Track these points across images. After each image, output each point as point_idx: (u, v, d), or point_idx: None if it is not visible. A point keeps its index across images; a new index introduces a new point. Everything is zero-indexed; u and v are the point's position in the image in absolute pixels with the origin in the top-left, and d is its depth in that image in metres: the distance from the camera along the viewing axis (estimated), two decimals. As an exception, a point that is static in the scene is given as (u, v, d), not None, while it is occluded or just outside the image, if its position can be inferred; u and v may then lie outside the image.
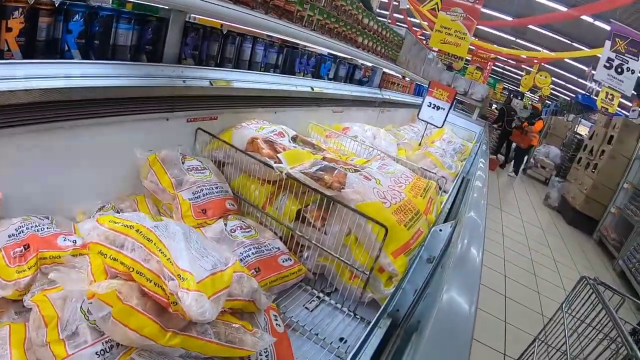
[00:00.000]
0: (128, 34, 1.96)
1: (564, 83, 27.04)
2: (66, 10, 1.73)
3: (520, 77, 24.57)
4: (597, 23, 11.85)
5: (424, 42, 11.94)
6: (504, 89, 31.30)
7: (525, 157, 15.74)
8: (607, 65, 9.14)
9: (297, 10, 2.54)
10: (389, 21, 8.25)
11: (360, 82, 4.88)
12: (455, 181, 3.29)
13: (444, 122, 4.66)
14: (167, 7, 1.98)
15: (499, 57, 22.72)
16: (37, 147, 1.56)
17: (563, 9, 12.64)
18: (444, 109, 4.59)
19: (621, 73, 9.10)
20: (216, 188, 2.03)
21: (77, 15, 1.76)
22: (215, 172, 2.12)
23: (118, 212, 1.88)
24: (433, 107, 4.61)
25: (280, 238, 2.04)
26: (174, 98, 2.02)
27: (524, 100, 26.94)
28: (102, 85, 1.64)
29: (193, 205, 1.90)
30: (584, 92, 17.77)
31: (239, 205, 2.14)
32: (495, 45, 22.73)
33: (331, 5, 3.04)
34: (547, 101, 25.76)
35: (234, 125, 2.40)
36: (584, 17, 12.52)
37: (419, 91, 7.50)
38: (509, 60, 23.77)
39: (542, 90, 23.23)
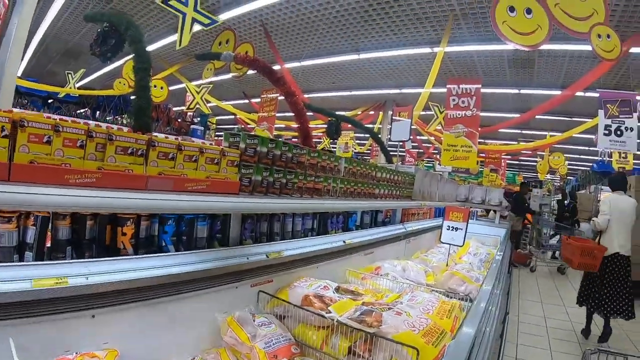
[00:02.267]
0: (204, 228, 2.73)
1: (578, 156, 27.79)
2: (161, 217, 2.52)
3: (536, 163, 25.13)
4: (588, 94, 12.68)
5: (438, 155, 12.77)
6: (524, 178, 31.98)
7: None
8: (606, 132, 9.62)
9: (324, 187, 3.37)
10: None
11: (384, 223, 5.57)
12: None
13: (464, 240, 5.13)
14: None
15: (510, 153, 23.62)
16: (146, 315, 2.23)
17: (556, 92, 13.69)
18: (461, 229, 5.09)
19: (621, 135, 9.55)
20: (282, 337, 2.61)
21: (170, 220, 2.56)
22: (279, 325, 2.72)
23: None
24: (452, 229, 5.13)
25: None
26: (241, 272, 2.74)
27: (545, 186, 27.41)
28: (190, 270, 2.34)
29: (267, 352, 2.46)
30: (599, 159, 18.26)
31: (301, 349, 2.76)
32: (503, 144, 23.78)
33: (349, 173, 3.89)
34: (568, 177, 26.14)
35: (288, 285, 3.09)
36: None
37: (438, 213, 8.11)
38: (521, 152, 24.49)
39: (559, 170, 23.86)
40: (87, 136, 1.94)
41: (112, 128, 2.20)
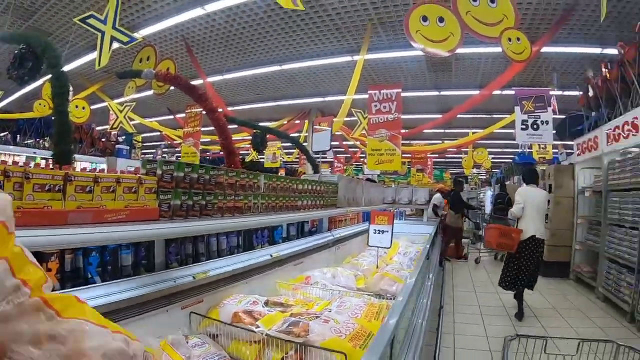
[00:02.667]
0: (129, 256, 2.78)
1: (501, 150, 29.29)
2: (85, 249, 2.55)
3: (461, 159, 26.04)
4: (505, 92, 13.39)
5: (365, 160, 13.08)
6: (451, 174, 33.05)
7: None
8: (524, 127, 10.46)
9: (244, 204, 3.46)
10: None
11: (311, 233, 5.73)
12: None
13: (391, 242, 5.30)
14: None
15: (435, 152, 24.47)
16: None
17: (474, 92, 14.34)
18: (387, 231, 5.27)
19: (537, 128, 10.39)
20: (217, 356, 2.67)
21: (94, 252, 2.59)
22: (213, 344, 2.78)
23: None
24: (378, 233, 5.30)
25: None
26: (170, 295, 2.79)
27: (472, 180, 28.44)
28: (116, 299, 2.38)
29: None
30: (520, 152, 19.15)
31: None
32: (429, 143, 24.59)
33: (269, 189, 4.00)
34: (493, 170, 27.24)
35: (218, 304, 3.15)
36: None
37: (366, 217, 8.24)
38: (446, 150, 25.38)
39: (483, 164, 24.88)
40: (4, 176, 1.96)
41: (29, 166, 2.21)
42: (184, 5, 10.72)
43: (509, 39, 7.19)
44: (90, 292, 2.32)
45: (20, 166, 2.08)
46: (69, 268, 2.48)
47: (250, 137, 15.28)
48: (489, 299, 9.02)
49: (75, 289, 2.32)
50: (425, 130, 19.65)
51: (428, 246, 5.84)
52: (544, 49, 10.73)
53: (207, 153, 26.27)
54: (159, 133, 24.06)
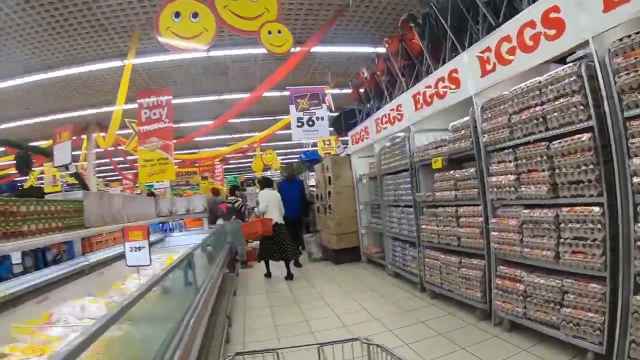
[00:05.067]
0: None
1: (290, 150, 31.13)
2: None
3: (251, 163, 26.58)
4: (284, 93, 13.96)
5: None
6: (245, 178, 33.66)
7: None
8: (299, 124, 11.12)
9: None
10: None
11: (56, 261, 5.13)
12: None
13: (149, 258, 4.82)
14: None
15: (225, 156, 24.71)
16: None
17: (245, 95, 14.66)
18: (144, 247, 4.82)
19: (313, 125, 11.17)
20: None
21: None
22: None
23: None
24: (135, 250, 4.92)
25: None
26: None
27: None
28: None
29: None
30: (305, 150, 19.94)
31: None
32: (215, 149, 24.69)
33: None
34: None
35: None
36: (271, 94, 15.06)
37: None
38: (236, 155, 25.76)
39: (273, 165, 25.83)
40: None
41: None
42: None
43: (269, 32, 7.26)
44: None
45: None
46: None
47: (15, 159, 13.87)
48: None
49: None
50: (210, 139, 19.54)
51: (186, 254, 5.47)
52: (318, 49, 11.19)
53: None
54: None
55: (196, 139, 18.44)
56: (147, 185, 27.19)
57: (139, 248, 4.89)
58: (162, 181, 11.66)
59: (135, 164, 25.00)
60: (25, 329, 3.61)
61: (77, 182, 26.65)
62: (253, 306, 8.36)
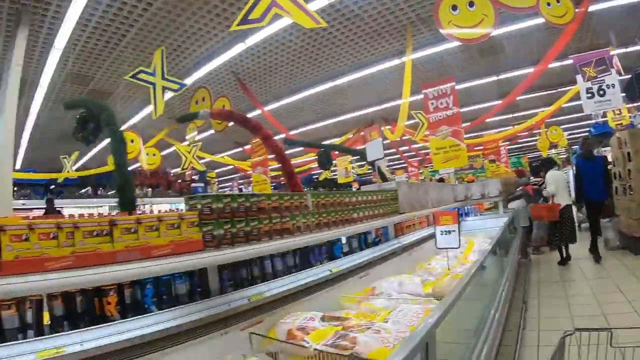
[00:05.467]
0: (183, 285, 3.07)
1: (577, 124, 28.12)
2: (140, 282, 2.87)
3: (535, 142, 25.08)
4: (565, 62, 13.04)
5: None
6: (529, 159, 31.86)
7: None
8: (589, 95, 9.95)
9: (293, 225, 3.67)
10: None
11: (375, 243, 5.83)
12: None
13: (459, 241, 5.28)
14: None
15: (509, 137, 23.81)
16: None
17: (523, 72, 14.47)
18: (454, 231, 5.26)
19: (604, 94, 9.85)
20: None
21: (148, 284, 2.90)
22: (272, 362, 3.05)
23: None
24: (445, 233, 5.32)
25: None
26: (227, 318, 3.05)
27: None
28: (171, 325, 2.68)
29: None
30: (594, 122, 18.34)
31: None
32: (498, 131, 23.90)
33: (318, 206, 4.18)
34: (572, 147, 26.20)
35: (275, 324, 3.37)
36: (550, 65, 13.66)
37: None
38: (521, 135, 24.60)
39: (559, 143, 23.97)
40: (57, 228, 2.31)
41: (78, 217, 2.54)
42: (226, 45, 11.18)
43: (548, 4, 7.05)
44: (144, 320, 2.63)
45: (71, 218, 2.43)
46: (128, 301, 2.81)
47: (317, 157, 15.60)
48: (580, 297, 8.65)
49: (131, 318, 2.64)
50: (491, 120, 19.15)
51: (496, 240, 5.71)
52: (593, 8, 10.18)
53: (281, 178, 26.94)
54: (232, 166, 24.98)
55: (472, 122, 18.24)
56: (430, 172, 27.85)
57: (449, 232, 5.31)
58: (455, 168, 11.82)
59: (419, 152, 25.97)
60: (353, 299, 4.31)
61: (365, 173, 28.39)
62: (545, 294, 8.20)
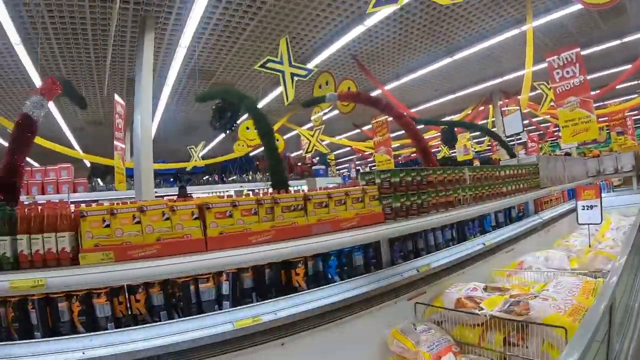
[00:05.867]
0: (360, 257, 3.27)
1: None
2: (324, 254, 3.08)
3: None
4: None
5: (559, 133, 12.46)
6: None
7: None
8: None
9: (455, 198, 3.86)
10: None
11: (518, 218, 5.82)
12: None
13: (601, 217, 5.26)
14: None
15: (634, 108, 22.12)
16: (323, 338, 2.84)
17: None
18: (597, 206, 5.24)
19: None
20: (442, 340, 3.07)
21: (332, 256, 3.11)
22: (438, 330, 3.20)
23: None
24: (587, 208, 5.30)
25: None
26: (397, 289, 3.26)
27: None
28: (352, 295, 2.91)
29: (431, 354, 2.94)
30: None
31: (460, 348, 3.16)
32: (623, 100, 22.25)
33: (474, 179, 4.35)
34: None
35: (440, 293, 3.57)
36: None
37: (571, 195, 8.04)
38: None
39: None
40: (257, 204, 2.59)
41: (276, 194, 2.82)
42: (344, 28, 11.31)
43: None
44: (329, 290, 2.88)
45: (269, 195, 2.71)
46: (312, 272, 3.03)
47: (440, 134, 15.51)
48: None
49: (317, 288, 2.88)
50: (617, 87, 18.16)
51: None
52: None
53: (398, 158, 26.86)
54: (349, 148, 25.32)
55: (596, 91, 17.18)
56: (550, 147, 26.80)
57: (591, 207, 5.26)
58: (585, 140, 11.28)
59: (540, 126, 24.96)
60: (502, 272, 4.43)
61: (483, 150, 27.77)
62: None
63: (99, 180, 16.97)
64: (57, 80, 4.96)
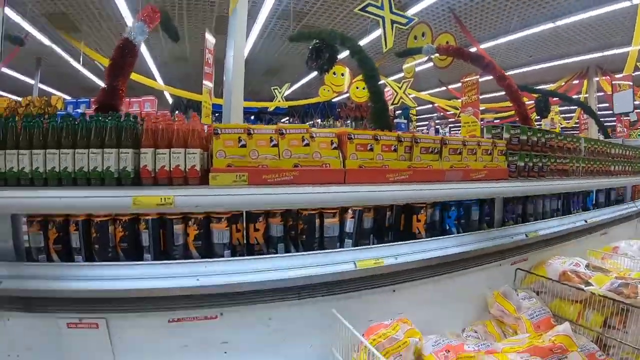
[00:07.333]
0: (477, 212, 3.30)
1: None
2: (445, 204, 3.11)
3: None
4: None
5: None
6: None
7: None
8: None
9: (570, 167, 3.80)
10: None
11: (616, 202, 5.72)
12: None
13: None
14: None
15: None
16: (431, 290, 2.89)
17: None
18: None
19: None
20: (543, 310, 3.07)
21: (452, 207, 3.14)
22: (538, 299, 3.19)
23: (475, 332, 3.07)
24: None
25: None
26: (503, 251, 3.27)
27: None
28: (468, 249, 2.94)
29: (532, 323, 2.95)
30: None
31: (557, 322, 3.08)
32: None
33: (589, 152, 4.28)
34: None
35: (542, 263, 3.55)
36: None
37: None
38: None
39: None
40: (397, 141, 2.60)
41: (415, 133, 2.83)
42: None
43: None
44: (448, 242, 2.90)
45: (409, 133, 2.71)
46: (432, 220, 3.06)
47: (533, 102, 15.09)
48: None
49: (435, 238, 2.91)
50: None
51: None
52: None
53: (481, 122, 26.41)
54: (430, 105, 25.08)
55: None
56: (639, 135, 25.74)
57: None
58: None
59: (636, 111, 23.88)
60: (597, 254, 4.33)
61: (570, 127, 26.96)
62: None
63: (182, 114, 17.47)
64: (157, 9, 4.99)
